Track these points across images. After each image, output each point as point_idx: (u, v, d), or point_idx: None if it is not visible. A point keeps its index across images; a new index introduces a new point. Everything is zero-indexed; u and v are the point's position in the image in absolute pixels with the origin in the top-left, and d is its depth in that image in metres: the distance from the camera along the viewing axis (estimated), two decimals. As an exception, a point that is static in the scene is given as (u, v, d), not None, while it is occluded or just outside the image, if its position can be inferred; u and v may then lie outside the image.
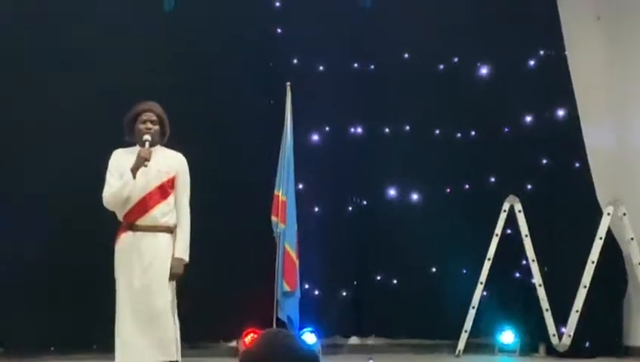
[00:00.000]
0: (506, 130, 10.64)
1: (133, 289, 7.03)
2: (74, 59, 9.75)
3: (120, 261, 7.13)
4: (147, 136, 7.14)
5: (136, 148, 7.19)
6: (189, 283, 9.77)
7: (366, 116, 10.61)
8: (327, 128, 10.49)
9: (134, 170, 7.05)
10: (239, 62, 10.27)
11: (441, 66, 10.64)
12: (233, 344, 10.22)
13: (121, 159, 7.17)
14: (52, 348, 9.74)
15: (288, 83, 9.56)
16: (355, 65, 10.53)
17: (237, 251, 10.29)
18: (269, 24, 10.37)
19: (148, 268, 7.05)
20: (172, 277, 7.11)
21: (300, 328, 9.61)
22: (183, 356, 9.55)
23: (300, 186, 9.98)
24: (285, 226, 9.48)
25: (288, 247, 9.48)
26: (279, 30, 10.38)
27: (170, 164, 7.23)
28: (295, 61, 10.29)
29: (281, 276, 9.49)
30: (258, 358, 2.53)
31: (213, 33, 10.17)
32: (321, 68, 10.39)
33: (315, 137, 10.41)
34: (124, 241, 7.11)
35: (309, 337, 9.55)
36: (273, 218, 9.52)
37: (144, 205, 7.11)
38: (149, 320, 7.01)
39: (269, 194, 9.53)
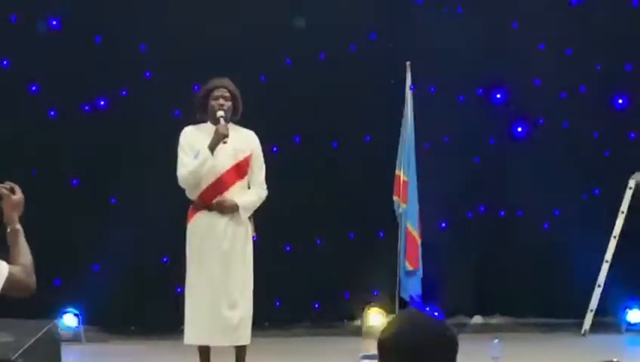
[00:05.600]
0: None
1: (210, 271, 6.94)
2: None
3: (194, 240, 7.03)
4: (221, 113, 6.99)
5: (208, 126, 7.06)
6: (313, 264, 9.95)
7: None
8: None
9: (212, 147, 6.92)
10: (361, 40, 10.30)
11: None
12: (357, 323, 10.27)
13: (193, 137, 7.05)
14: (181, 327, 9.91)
15: (408, 62, 9.52)
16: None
17: (359, 231, 10.34)
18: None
19: (227, 249, 6.96)
20: (218, 205, 6.94)
21: (423, 307, 9.59)
22: (307, 335, 9.68)
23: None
24: (407, 206, 9.45)
25: (410, 227, 9.45)
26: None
27: (245, 142, 7.11)
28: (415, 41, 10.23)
29: (404, 255, 9.47)
30: (399, 337, 2.54)
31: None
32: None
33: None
34: (200, 221, 7.01)
35: (433, 316, 9.53)
36: (395, 198, 9.50)
37: (221, 184, 7.00)
38: (227, 304, 6.93)
39: (391, 173, 9.52)
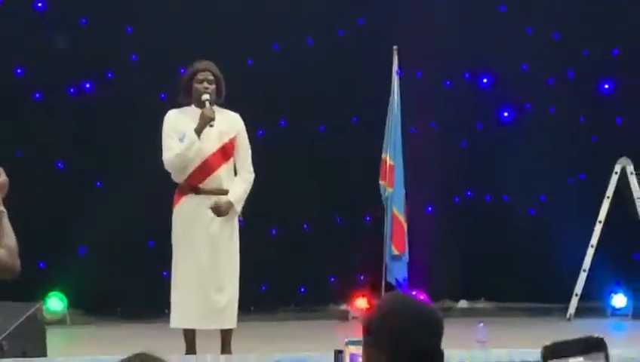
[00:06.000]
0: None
1: (198, 255, 6.93)
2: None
3: (181, 224, 7.01)
4: (206, 96, 6.96)
5: (192, 109, 7.04)
6: (299, 249, 9.95)
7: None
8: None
9: (199, 130, 6.90)
10: (349, 25, 10.29)
11: None
12: (343, 307, 10.28)
13: (177, 120, 7.03)
14: (166, 311, 9.91)
15: (395, 47, 9.50)
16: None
17: (346, 215, 10.35)
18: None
19: (215, 233, 6.95)
20: (215, 210, 6.91)
21: (409, 291, 9.61)
22: (294, 319, 9.69)
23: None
24: (393, 190, 9.46)
25: (396, 211, 9.47)
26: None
27: (230, 124, 7.09)
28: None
29: (390, 240, 9.49)
30: (385, 319, 2.53)
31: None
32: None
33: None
34: (186, 205, 6.99)
35: (418, 301, 9.55)
36: (381, 182, 9.51)
37: (208, 167, 6.98)
38: (214, 287, 6.94)
39: (378, 157, 9.51)
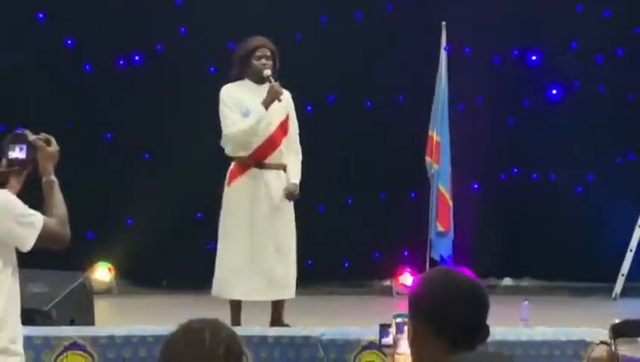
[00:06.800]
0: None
1: (260, 226, 7.00)
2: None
3: (243, 196, 7.03)
4: (268, 71, 7.00)
5: (247, 83, 7.07)
6: (344, 223, 9.96)
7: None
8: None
9: (267, 105, 6.95)
10: (398, 1, 10.27)
11: None
12: (388, 283, 10.30)
13: (237, 94, 7.06)
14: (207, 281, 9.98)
15: (444, 23, 9.47)
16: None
17: (391, 191, 10.35)
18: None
19: (277, 205, 7.03)
20: (288, 196, 7.05)
21: (454, 267, 9.60)
22: (338, 294, 9.72)
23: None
24: (439, 167, 9.45)
25: (442, 188, 9.46)
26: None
27: (285, 99, 7.10)
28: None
29: (435, 216, 9.48)
30: (431, 294, 2.55)
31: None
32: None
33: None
34: (249, 178, 7.02)
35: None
36: (427, 158, 9.50)
37: (272, 142, 7.05)
38: (275, 258, 7.03)
39: (424, 134, 9.50)
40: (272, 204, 7.05)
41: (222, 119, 7.05)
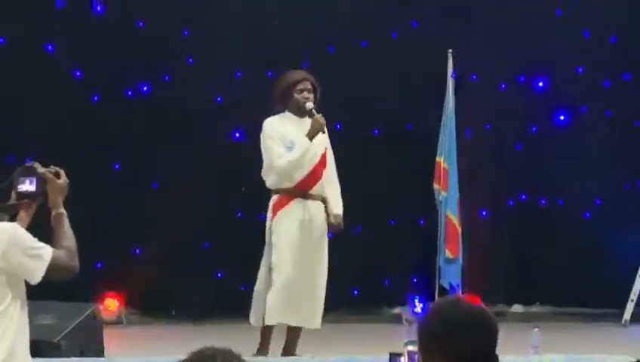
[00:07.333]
0: None
1: (307, 255, 7.11)
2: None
3: (291, 226, 7.12)
4: (310, 104, 7.16)
5: (289, 116, 7.18)
6: (353, 251, 9.95)
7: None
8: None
9: (312, 137, 7.09)
10: (402, 28, 10.30)
11: None
12: (397, 310, 10.28)
13: (281, 127, 7.16)
14: (217, 310, 9.98)
15: (450, 50, 9.50)
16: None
17: (400, 218, 10.35)
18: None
19: (320, 238, 7.19)
20: (334, 229, 7.24)
21: (463, 295, 9.58)
22: (346, 322, 9.71)
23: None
24: (447, 194, 9.43)
25: (450, 215, 9.44)
26: None
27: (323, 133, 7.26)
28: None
29: (444, 243, 9.46)
30: (440, 324, 2.56)
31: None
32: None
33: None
34: (296, 208, 7.12)
35: (472, 305, 9.51)
36: (435, 185, 9.49)
37: (315, 174, 7.19)
38: (317, 287, 7.15)
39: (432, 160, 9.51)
40: (316, 235, 7.20)
41: (267, 151, 7.15)
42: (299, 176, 7.11)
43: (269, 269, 7.16)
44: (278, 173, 7.13)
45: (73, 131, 9.80)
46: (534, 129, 10.68)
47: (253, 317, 7.25)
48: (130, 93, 10.03)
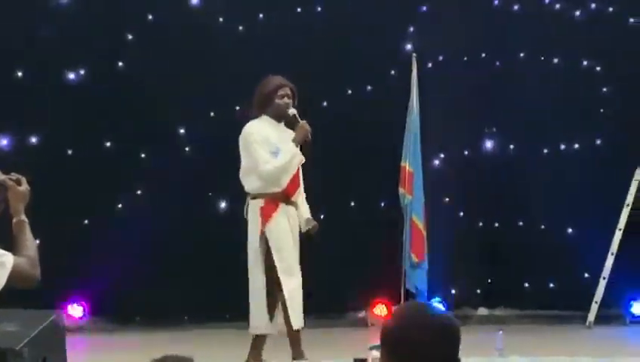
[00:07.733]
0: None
1: (286, 263, 7.11)
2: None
3: (280, 231, 7.10)
4: (293, 110, 7.14)
5: (268, 120, 7.15)
6: (317, 255, 9.94)
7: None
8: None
9: (299, 143, 7.09)
10: (366, 33, 10.33)
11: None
12: (361, 314, 10.28)
13: (264, 132, 7.12)
14: (186, 318, 9.94)
15: (414, 54, 9.52)
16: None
17: (364, 223, 10.35)
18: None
19: (296, 242, 7.21)
20: (313, 230, 7.29)
21: (428, 299, 9.60)
22: (312, 326, 9.69)
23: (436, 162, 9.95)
24: (412, 197, 9.44)
25: (416, 219, 9.44)
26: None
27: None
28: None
29: (409, 247, 9.47)
30: (403, 329, 2.55)
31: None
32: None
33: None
34: (283, 214, 7.11)
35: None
36: (400, 189, 9.50)
37: (297, 180, 7.21)
38: (292, 295, 7.14)
39: (397, 165, 9.52)
40: (296, 240, 7.23)
41: (252, 155, 7.08)
42: (284, 181, 7.10)
43: (272, 274, 7.11)
44: (265, 178, 7.08)
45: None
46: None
47: (262, 325, 7.19)
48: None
